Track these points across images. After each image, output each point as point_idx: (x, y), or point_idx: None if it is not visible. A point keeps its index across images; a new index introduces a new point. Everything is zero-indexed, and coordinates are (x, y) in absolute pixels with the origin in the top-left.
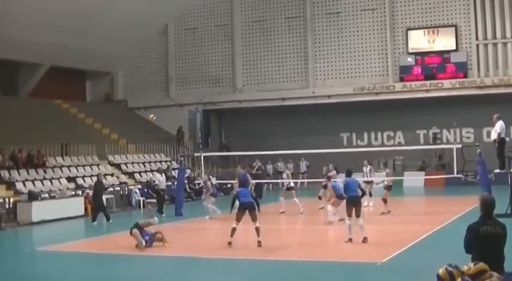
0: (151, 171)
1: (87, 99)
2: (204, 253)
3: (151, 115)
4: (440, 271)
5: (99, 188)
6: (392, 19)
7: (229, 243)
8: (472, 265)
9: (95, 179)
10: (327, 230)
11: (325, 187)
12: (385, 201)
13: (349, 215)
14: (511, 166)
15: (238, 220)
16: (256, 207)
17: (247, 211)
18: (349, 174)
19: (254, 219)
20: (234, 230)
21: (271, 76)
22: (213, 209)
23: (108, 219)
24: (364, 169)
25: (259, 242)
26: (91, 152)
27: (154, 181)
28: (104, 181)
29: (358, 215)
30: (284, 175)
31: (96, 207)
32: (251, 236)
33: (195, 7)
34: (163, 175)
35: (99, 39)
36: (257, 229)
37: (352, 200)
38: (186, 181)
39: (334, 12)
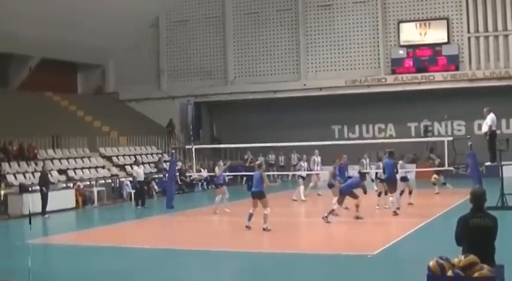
0: (143, 163)
1: (79, 92)
2: (195, 245)
3: None
4: (431, 263)
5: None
6: (384, 11)
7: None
8: (462, 257)
9: (86, 171)
10: (317, 223)
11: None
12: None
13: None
14: (501, 159)
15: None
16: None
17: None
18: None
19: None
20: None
21: (262, 68)
22: None
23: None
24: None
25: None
26: (82, 144)
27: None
28: (49, 175)
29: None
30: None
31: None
32: (242, 229)
33: None
34: (142, 166)
35: (90, 32)
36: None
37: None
38: (177, 174)
39: (325, 4)
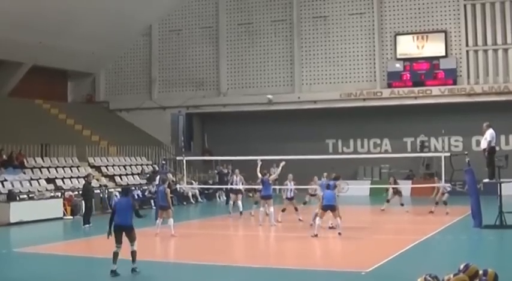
0: (132, 174)
1: (69, 100)
2: (186, 259)
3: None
4: (419, 280)
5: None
6: (380, 24)
7: None
8: (452, 275)
9: (74, 181)
10: (311, 239)
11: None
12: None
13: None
14: (500, 176)
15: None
16: None
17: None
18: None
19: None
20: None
21: (256, 80)
22: None
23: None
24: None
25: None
26: (71, 153)
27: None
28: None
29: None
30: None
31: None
32: (237, 243)
33: (180, 8)
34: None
35: (81, 40)
36: None
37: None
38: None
39: (321, 16)
